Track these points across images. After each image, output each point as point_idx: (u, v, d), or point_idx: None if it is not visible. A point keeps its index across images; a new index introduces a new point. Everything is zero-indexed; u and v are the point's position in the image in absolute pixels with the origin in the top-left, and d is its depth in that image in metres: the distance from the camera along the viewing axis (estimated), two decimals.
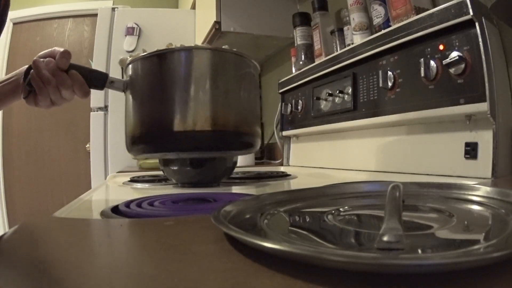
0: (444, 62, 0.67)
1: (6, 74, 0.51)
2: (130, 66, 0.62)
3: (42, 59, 0.57)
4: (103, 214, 0.47)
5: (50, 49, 0.61)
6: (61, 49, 0.58)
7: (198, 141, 0.62)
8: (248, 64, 0.64)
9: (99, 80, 0.61)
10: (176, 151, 0.64)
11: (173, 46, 0.62)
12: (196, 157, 0.68)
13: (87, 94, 0.59)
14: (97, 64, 1.88)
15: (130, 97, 0.63)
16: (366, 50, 0.90)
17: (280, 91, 1.41)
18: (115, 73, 1.85)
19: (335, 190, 0.47)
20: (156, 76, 0.59)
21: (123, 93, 0.67)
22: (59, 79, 0.56)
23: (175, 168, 0.83)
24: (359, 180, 0.57)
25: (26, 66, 0.58)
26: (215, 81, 0.57)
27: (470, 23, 0.64)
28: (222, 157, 0.84)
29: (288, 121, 1.36)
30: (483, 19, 0.64)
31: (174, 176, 0.84)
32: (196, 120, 0.59)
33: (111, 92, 1.82)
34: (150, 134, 0.62)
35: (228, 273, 0.22)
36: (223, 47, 0.64)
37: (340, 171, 1.05)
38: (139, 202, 0.53)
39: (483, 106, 0.63)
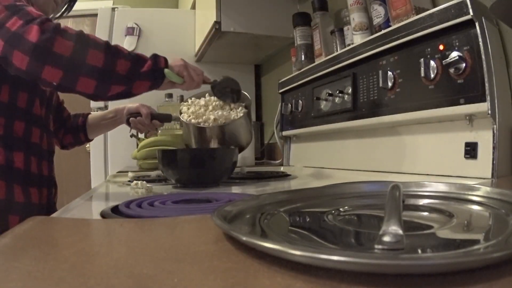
0: (444, 62, 0.67)
1: None
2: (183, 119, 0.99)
3: (133, 118, 1.03)
4: (103, 214, 0.48)
5: (136, 106, 1.04)
6: (145, 111, 1.02)
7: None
8: None
9: (168, 118, 1.06)
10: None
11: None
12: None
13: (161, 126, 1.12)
14: None
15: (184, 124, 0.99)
16: (366, 50, 0.90)
17: (280, 91, 1.41)
18: None
19: (335, 190, 0.47)
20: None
21: None
22: (147, 126, 1.04)
23: (174, 169, 0.83)
24: (359, 180, 0.57)
25: (125, 111, 1.06)
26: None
27: (470, 23, 0.64)
28: (222, 157, 0.83)
29: (288, 121, 1.36)
30: (483, 19, 0.64)
31: (173, 177, 0.84)
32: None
33: None
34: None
35: (228, 273, 0.22)
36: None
37: (340, 171, 1.05)
38: (139, 202, 0.53)
39: (483, 106, 0.63)
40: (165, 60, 0.75)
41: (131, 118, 1.03)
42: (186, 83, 0.81)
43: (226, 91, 0.96)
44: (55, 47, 0.60)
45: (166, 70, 0.74)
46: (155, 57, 0.73)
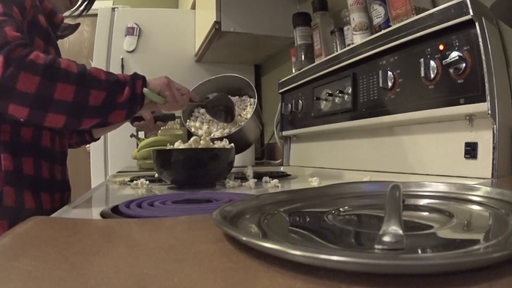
0: (444, 62, 0.67)
1: None
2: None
3: (137, 122, 0.98)
4: (103, 214, 0.48)
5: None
6: (148, 116, 0.97)
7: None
8: None
9: (171, 118, 1.03)
10: None
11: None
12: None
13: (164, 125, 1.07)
14: (97, 64, 1.88)
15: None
16: (366, 50, 0.90)
17: (280, 91, 1.41)
18: (113, 71, 1.86)
19: (335, 190, 0.47)
20: None
21: None
22: (152, 127, 1.00)
23: (169, 169, 0.81)
24: (359, 180, 0.57)
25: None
26: None
27: (470, 23, 0.64)
28: (217, 157, 0.82)
29: (288, 121, 1.36)
30: (483, 19, 0.64)
31: (168, 178, 0.83)
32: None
33: None
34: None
35: (228, 273, 0.22)
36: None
37: (340, 171, 1.05)
38: (139, 202, 0.53)
39: (483, 106, 0.63)
40: (144, 80, 0.70)
41: (135, 123, 1.02)
42: (168, 104, 0.75)
43: (219, 110, 0.93)
44: (19, 85, 0.55)
45: (145, 90, 0.69)
46: (133, 80, 0.68)
